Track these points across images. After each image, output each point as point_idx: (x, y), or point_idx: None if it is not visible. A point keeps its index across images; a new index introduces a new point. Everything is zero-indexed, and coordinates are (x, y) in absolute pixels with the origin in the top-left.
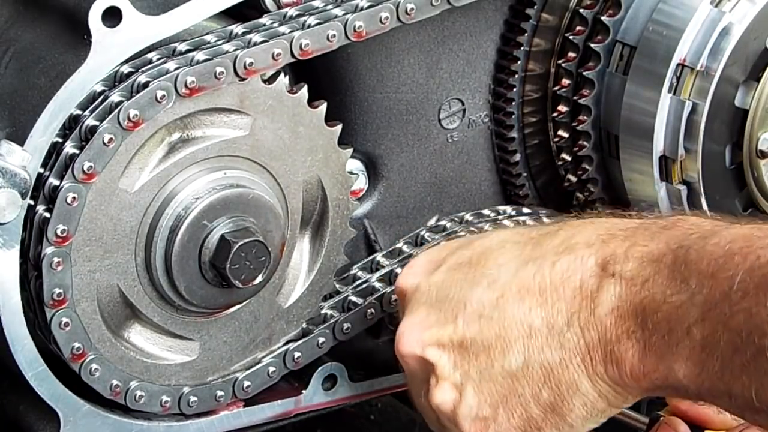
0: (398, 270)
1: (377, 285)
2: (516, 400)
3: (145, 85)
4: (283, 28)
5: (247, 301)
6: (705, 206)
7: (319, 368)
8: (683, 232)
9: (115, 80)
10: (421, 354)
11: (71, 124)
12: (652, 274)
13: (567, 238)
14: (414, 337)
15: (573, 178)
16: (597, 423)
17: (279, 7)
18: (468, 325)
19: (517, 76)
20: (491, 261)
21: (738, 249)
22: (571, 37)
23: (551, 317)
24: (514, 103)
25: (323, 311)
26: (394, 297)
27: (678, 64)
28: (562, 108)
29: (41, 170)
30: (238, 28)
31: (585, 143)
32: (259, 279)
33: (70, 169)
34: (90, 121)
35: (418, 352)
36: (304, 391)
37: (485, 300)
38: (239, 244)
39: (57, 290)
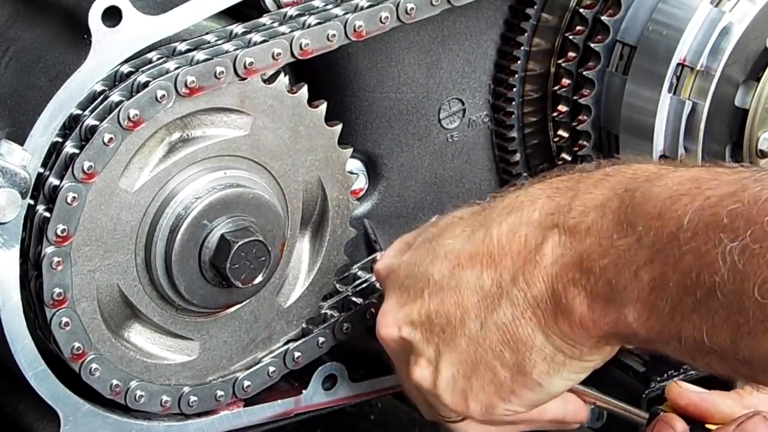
0: None
1: (377, 285)
2: (483, 366)
3: (145, 84)
4: (283, 28)
5: (247, 300)
6: None
7: (319, 368)
8: (628, 177)
9: (115, 80)
10: (399, 334)
11: (71, 123)
12: (596, 219)
13: (514, 198)
14: (390, 319)
15: None
16: (569, 380)
17: (279, 6)
18: (432, 299)
19: (517, 75)
20: (449, 233)
21: (686, 190)
22: (571, 37)
23: (499, 276)
24: (514, 103)
25: (323, 311)
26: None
27: (678, 64)
28: (562, 108)
29: (41, 170)
30: (238, 28)
31: (585, 143)
32: (259, 279)
33: (70, 168)
34: (90, 121)
35: (395, 333)
36: (304, 391)
37: (444, 271)
38: (239, 243)
39: (57, 290)
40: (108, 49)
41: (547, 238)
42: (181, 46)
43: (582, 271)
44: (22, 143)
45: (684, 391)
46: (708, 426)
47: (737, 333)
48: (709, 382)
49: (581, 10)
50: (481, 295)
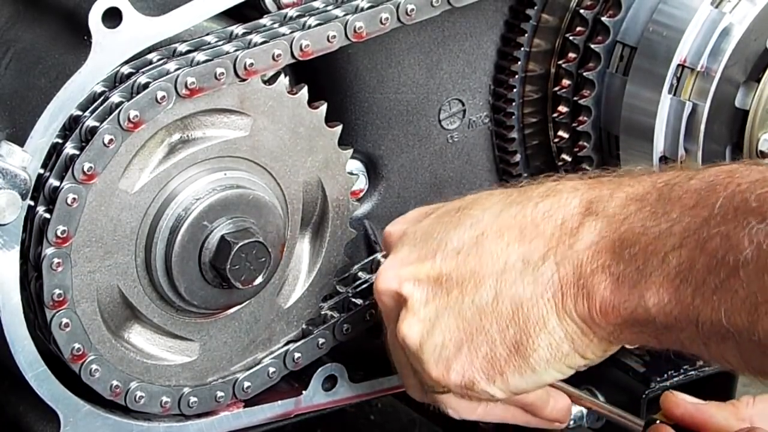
0: None
1: None
2: (482, 337)
3: (146, 85)
4: (284, 29)
5: (247, 301)
6: None
7: (319, 369)
8: (670, 175)
9: (115, 81)
10: (397, 289)
11: (71, 124)
12: (635, 210)
13: (553, 185)
14: (392, 273)
15: None
16: (560, 373)
17: (279, 7)
18: (445, 261)
19: (517, 76)
20: (478, 205)
21: (721, 180)
22: (571, 38)
23: (527, 252)
24: (514, 104)
25: (323, 312)
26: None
27: (678, 65)
28: (563, 108)
29: (41, 171)
30: (238, 29)
31: (585, 144)
32: (259, 280)
33: (70, 170)
34: (90, 122)
35: (394, 287)
36: (304, 392)
37: (466, 238)
38: (239, 244)
39: (57, 291)
40: (108, 50)
41: (584, 224)
42: (182, 47)
43: (613, 256)
44: (22, 144)
45: (680, 401)
46: None
47: (755, 313)
48: (706, 392)
49: (581, 11)
50: (503, 267)
